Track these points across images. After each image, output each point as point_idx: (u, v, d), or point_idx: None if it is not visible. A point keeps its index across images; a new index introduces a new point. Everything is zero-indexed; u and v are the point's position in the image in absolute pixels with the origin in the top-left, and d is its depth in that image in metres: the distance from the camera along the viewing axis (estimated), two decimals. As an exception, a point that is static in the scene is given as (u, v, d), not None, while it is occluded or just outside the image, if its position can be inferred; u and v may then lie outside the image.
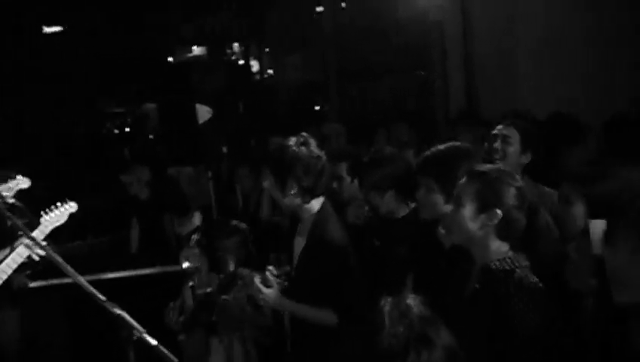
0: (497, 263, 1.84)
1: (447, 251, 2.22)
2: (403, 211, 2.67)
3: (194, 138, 4.29)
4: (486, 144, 3.02)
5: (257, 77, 8.98)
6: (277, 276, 2.53)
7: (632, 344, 1.58)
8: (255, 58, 9.19)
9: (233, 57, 9.05)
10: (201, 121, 4.12)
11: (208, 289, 3.09)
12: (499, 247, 1.86)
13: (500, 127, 2.98)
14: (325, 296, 2.43)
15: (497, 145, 2.91)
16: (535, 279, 1.79)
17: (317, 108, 7.75)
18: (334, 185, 3.29)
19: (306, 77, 8.54)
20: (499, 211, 1.82)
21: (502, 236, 1.86)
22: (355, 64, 7.61)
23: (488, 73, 5.23)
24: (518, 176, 1.95)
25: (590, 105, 4.36)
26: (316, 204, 2.53)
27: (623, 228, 1.49)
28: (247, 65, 8.68)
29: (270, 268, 2.56)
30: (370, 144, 4.88)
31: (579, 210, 2.46)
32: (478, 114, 4.79)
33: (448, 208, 2.01)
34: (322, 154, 2.53)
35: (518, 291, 1.75)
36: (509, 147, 2.89)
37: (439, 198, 2.16)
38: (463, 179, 1.91)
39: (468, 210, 1.87)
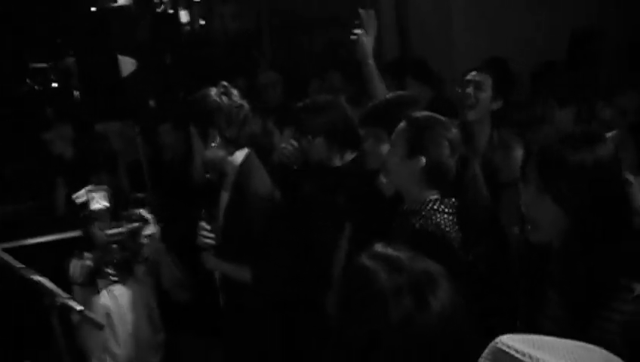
0: (417, 206, 1.94)
1: (388, 200, 2.22)
2: (337, 160, 2.63)
3: (118, 92, 4.07)
4: (458, 89, 3.04)
5: (187, 27, 8.61)
6: (209, 231, 2.50)
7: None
8: (185, 7, 8.79)
9: (162, 7, 8.61)
10: (124, 73, 3.91)
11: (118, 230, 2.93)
12: (424, 193, 1.95)
13: (473, 73, 3.03)
14: (250, 252, 2.38)
15: (470, 90, 2.96)
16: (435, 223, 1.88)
17: (251, 58, 7.53)
18: (265, 140, 3.27)
19: (239, 27, 8.26)
20: (423, 158, 1.90)
21: (430, 183, 1.93)
22: (288, 14, 7.41)
23: (422, 24, 5.22)
24: (453, 127, 1.98)
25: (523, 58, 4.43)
26: (240, 155, 2.45)
27: (530, 168, 1.53)
28: (176, 15, 8.28)
29: (202, 224, 2.47)
30: (305, 95, 4.79)
31: (518, 154, 2.51)
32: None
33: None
34: (245, 103, 2.45)
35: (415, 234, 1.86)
36: (482, 93, 2.97)
37: (387, 148, 2.15)
38: (401, 124, 1.97)
39: (398, 155, 1.94)
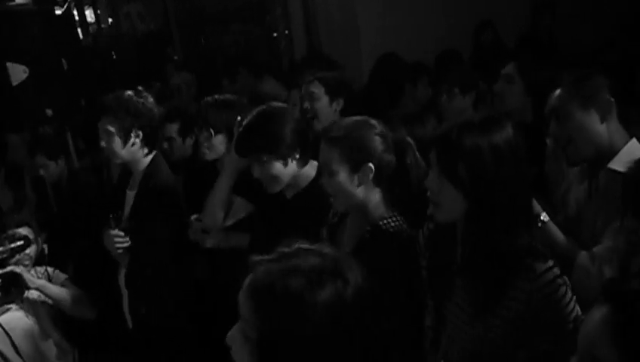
0: (385, 222, 1.84)
1: (288, 202, 2.19)
2: None
3: (10, 102, 3.81)
4: (297, 105, 3.07)
5: (92, 28, 8.24)
6: (119, 235, 2.54)
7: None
8: (89, 7, 8.41)
9: (64, 7, 8.18)
10: (15, 82, 3.67)
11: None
12: (379, 203, 1.86)
13: (304, 86, 3.04)
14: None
15: (306, 105, 2.96)
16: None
17: (162, 58, 7.31)
18: (165, 145, 3.21)
19: (147, 27, 7.99)
20: (371, 164, 1.81)
21: (376, 183, 1.85)
22: (197, 11, 7.25)
23: (330, 26, 5.24)
24: (375, 122, 1.91)
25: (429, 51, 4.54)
26: (149, 157, 2.60)
27: (432, 154, 1.58)
28: (79, 15, 7.90)
29: (111, 231, 2.53)
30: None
31: None
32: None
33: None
34: (156, 106, 2.60)
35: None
36: (317, 102, 2.95)
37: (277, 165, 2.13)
38: (323, 146, 1.85)
39: (342, 175, 1.82)
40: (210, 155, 2.63)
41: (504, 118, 1.58)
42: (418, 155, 1.90)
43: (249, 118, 2.17)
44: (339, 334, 1.08)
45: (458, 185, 1.50)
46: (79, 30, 7.70)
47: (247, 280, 1.14)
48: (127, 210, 2.63)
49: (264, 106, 2.21)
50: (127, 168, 2.71)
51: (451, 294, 1.63)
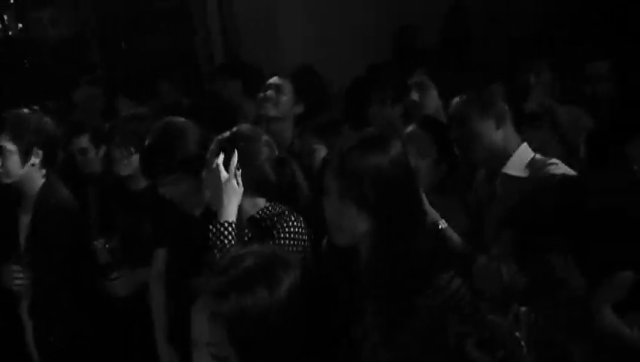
0: (260, 213, 1.90)
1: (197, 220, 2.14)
2: (144, 181, 2.51)
3: None
4: (261, 94, 3.04)
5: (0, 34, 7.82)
6: (18, 270, 2.44)
7: None
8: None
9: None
10: None
11: None
12: (256, 202, 1.91)
13: (275, 78, 3.05)
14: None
15: (270, 93, 2.97)
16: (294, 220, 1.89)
17: (79, 67, 7.03)
18: (78, 157, 3.09)
19: (60, 33, 7.66)
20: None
21: (259, 192, 1.91)
22: (113, 17, 7.03)
23: (250, 32, 5.20)
24: (260, 131, 2.00)
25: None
26: (43, 178, 2.51)
27: (329, 178, 1.56)
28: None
29: (12, 267, 2.45)
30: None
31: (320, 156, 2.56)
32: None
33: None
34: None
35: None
36: (282, 96, 2.97)
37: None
38: (212, 146, 1.92)
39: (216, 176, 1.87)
40: (125, 171, 2.57)
41: (389, 134, 1.62)
42: (298, 171, 1.95)
43: (150, 137, 2.10)
44: (299, 312, 1.13)
45: (363, 206, 1.50)
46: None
47: (203, 306, 1.12)
48: (22, 236, 2.52)
49: (163, 123, 2.14)
50: (10, 189, 2.57)
51: (359, 317, 1.61)
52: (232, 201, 1.83)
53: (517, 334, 1.33)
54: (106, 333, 2.56)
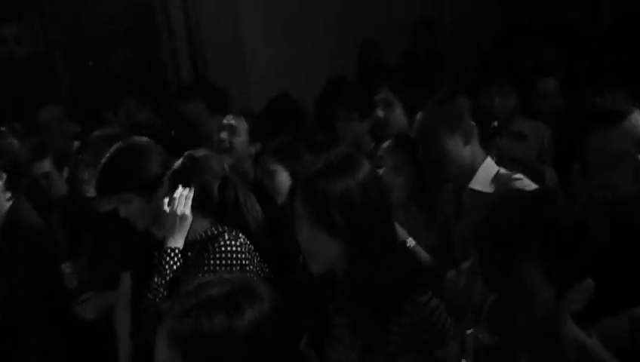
0: (202, 234, 1.95)
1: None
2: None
3: None
4: (215, 134, 3.01)
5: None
6: None
7: None
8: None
9: None
10: None
11: None
12: (202, 223, 1.97)
13: (229, 117, 2.99)
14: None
15: (224, 135, 2.91)
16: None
17: (42, 87, 6.91)
18: (42, 181, 3.03)
19: (26, 51, 7.52)
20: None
21: (204, 213, 1.96)
22: (79, 35, 6.95)
23: (216, 51, 5.21)
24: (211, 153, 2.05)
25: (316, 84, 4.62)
26: (9, 201, 2.47)
27: (297, 205, 1.53)
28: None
29: None
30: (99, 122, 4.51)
31: (282, 177, 2.57)
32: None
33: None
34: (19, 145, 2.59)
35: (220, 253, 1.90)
36: (237, 138, 2.93)
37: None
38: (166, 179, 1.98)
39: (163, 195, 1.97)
40: (92, 192, 2.54)
41: (358, 154, 1.62)
42: (240, 193, 2.00)
43: (108, 154, 2.09)
44: (268, 346, 1.11)
45: (333, 231, 1.48)
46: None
47: (163, 328, 1.11)
48: None
49: (128, 143, 2.14)
50: None
51: (332, 336, 1.62)
52: (183, 230, 1.93)
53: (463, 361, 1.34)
54: (77, 354, 2.53)
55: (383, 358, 1.54)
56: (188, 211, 1.91)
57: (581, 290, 1.19)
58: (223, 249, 1.90)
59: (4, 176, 2.42)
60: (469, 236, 2.00)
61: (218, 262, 1.89)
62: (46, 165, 3.11)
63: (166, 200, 1.93)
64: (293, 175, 2.46)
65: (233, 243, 1.91)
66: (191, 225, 1.94)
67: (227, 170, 2.06)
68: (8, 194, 2.45)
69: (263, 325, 1.09)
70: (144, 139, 2.17)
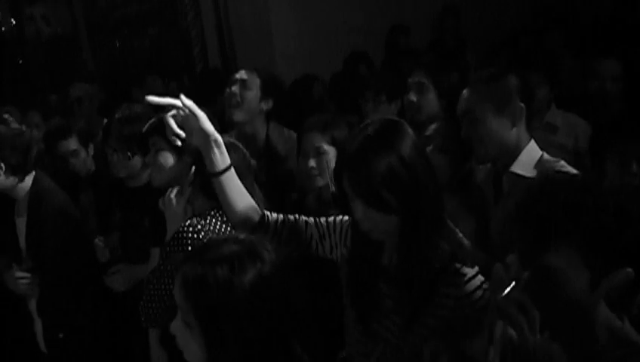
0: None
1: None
2: (147, 177, 2.49)
3: None
4: (227, 89, 2.92)
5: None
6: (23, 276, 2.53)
7: None
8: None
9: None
10: None
11: None
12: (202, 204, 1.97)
13: (241, 71, 2.93)
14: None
15: (235, 89, 2.85)
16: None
17: (70, 65, 6.99)
18: (71, 160, 3.06)
19: (53, 30, 7.60)
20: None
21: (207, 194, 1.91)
22: (106, 14, 6.98)
23: (243, 31, 5.19)
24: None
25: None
26: (29, 179, 2.54)
27: (346, 185, 1.53)
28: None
29: (15, 273, 2.50)
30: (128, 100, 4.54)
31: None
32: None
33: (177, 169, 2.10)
34: (24, 128, 2.60)
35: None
36: (248, 92, 2.85)
37: (169, 158, 2.10)
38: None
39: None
40: (123, 173, 2.55)
41: (400, 121, 1.57)
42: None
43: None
44: (265, 306, 1.25)
45: (386, 209, 1.46)
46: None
47: (178, 276, 1.28)
48: (21, 239, 2.55)
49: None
50: (3, 196, 2.61)
51: (378, 304, 1.60)
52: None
53: (491, 350, 1.30)
54: (109, 328, 2.62)
55: (427, 331, 1.53)
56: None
57: (619, 278, 1.16)
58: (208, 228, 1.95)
59: (3, 165, 2.46)
60: (507, 218, 1.96)
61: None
62: (72, 143, 3.14)
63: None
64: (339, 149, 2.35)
65: (214, 221, 1.96)
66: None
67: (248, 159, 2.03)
68: (16, 179, 2.50)
69: (261, 284, 1.24)
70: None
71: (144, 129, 2.19)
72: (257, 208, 1.69)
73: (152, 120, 2.15)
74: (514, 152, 2.05)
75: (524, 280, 1.18)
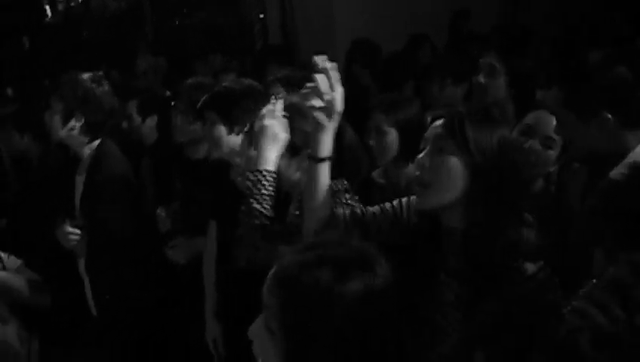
0: None
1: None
2: (206, 150, 2.49)
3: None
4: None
5: (60, 6, 8.00)
6: (73, 232, 2.50)
7: None
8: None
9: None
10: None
11: None
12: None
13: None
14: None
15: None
16: None
17: (135, 39, 7.14)
18: (124, 124, 3.09)
19: (119, 5, 7.79)
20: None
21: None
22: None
23: (306, 13, 5.17)
24: None
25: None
26: (96, 143, 2.56)
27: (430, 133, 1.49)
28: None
29: (64, 229, 2.48)
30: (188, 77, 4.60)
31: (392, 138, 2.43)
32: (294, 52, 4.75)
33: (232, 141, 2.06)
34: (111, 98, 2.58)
35: None
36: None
37: (222, 131, 2.08)
38: None
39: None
40: (184, 137, 2.60)
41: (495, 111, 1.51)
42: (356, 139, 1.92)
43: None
44: (366, 326, 1.06)
45: (469, 165, 1.40)
46: (48, 8, 7.49)
47: (272, 271, 1.11)
48: (77, 197, 2.57)
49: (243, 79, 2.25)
50: (67, 151, 2.65)
51: (437, 295, 1.52)
52: (271, 148, 1.68)
53: None
54: (165, 299, 2.61)
55: (493, 307, 1.42)
56: (275, 125, 1.69)
57: None
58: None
59: (83, 120, 2.48)
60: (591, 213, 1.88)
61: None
62: (131, 107, 3.10)
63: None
64: (402, 129, 2.30)
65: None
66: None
67: None
68: (87, 139, 2.52)
69: (367, 300, 1.05)
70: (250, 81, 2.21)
71: (199, 104, 2.18)
72: (331, 204, 1.62)
73: (205, 96, 2.14)
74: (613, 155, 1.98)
75: (609, 275, 1.12)
